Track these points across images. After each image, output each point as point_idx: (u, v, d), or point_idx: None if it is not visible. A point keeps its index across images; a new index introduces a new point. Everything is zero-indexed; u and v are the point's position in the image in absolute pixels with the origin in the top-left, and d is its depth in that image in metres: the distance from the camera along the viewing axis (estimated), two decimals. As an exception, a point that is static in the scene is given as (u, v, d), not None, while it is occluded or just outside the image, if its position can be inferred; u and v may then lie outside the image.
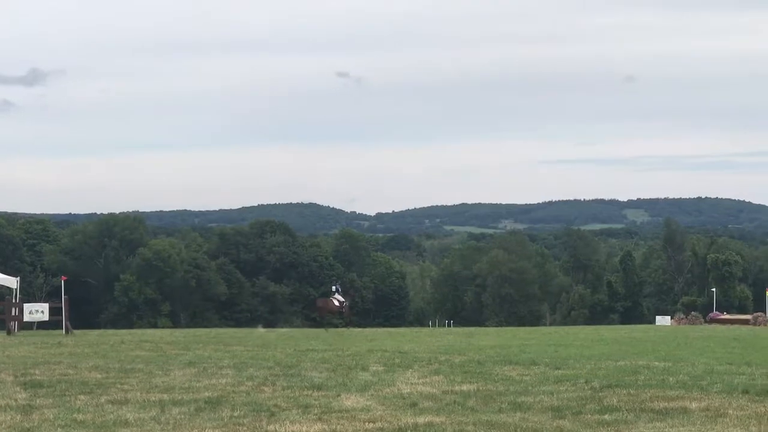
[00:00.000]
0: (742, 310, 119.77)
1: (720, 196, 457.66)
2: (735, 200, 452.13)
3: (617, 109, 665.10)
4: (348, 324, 60.61)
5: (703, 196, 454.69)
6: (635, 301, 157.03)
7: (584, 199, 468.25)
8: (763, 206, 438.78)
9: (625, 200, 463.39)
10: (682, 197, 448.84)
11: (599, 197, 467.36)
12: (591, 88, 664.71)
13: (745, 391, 18.24)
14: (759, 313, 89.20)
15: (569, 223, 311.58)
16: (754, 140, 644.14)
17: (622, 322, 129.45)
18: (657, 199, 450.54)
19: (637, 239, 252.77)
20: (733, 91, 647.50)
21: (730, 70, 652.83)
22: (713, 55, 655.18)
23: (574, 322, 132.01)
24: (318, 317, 58.79)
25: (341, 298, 58.54)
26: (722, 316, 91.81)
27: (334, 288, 61.10)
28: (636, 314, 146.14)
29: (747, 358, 28.22)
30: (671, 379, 20.78)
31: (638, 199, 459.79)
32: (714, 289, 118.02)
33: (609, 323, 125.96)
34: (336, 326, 58.07)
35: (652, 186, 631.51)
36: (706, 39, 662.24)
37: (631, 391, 18.33)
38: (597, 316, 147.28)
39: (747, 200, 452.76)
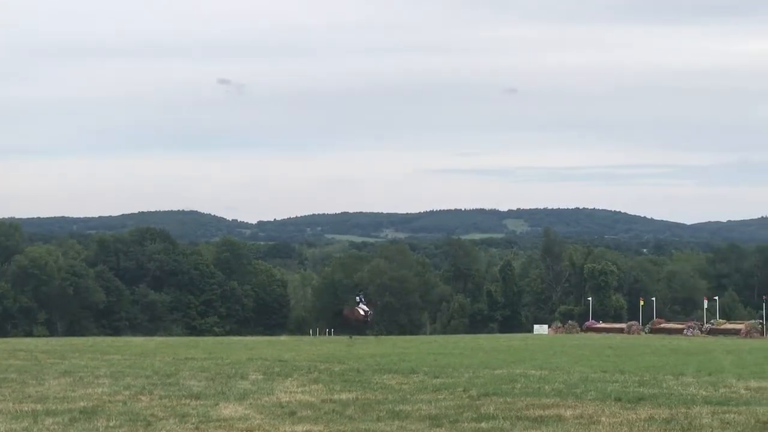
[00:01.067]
0: (617, 319, 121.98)
1: (597, 207, 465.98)
2: (611, 211, 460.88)
3: (499, 120, 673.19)
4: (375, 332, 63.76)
5: (580, 207, 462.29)
6: (514, 310, 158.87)
7: (465, 209, 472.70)
8: (639, 217, 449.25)
9: (505, 210, 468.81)
10: (561, 208, 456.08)
11: (480, 207, 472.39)
12: (473, 99, 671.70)
13: (618, 399, 18.63)
14: (633, 322, 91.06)
15: (450, 232, 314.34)
16: (631, 152, 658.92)
17: (501, 331, 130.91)
18: (536, 210, 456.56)
19: (517, 249, 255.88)
20: (612, 104, 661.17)
21: (608, 83, 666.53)
22: (594, 68, 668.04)
23: (454, 331, 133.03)
24: (345, 326, 62.57)
25: (366, 308, 61.35)
26: (598, 325, 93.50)
27: (358, 298, 63.91)
28: (515, 323, 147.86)
29: (620, 366, 28.84)
30: (547, 387, 21.12)
31: (518, 209, 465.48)
32: (590, 299, 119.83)
33: (488, 332, 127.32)
34: (376, 334, 62.19)
35: (532, 196, 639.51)
36: (586, 52, 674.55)
37: (508, 400, 18.59)
38: (477, 324, 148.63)
39: (623, 211, 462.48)
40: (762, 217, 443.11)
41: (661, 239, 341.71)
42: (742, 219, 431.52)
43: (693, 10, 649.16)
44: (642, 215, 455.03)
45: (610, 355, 37.50)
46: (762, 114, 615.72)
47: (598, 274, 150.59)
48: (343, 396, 19.12)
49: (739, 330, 76.22)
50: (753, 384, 22.11)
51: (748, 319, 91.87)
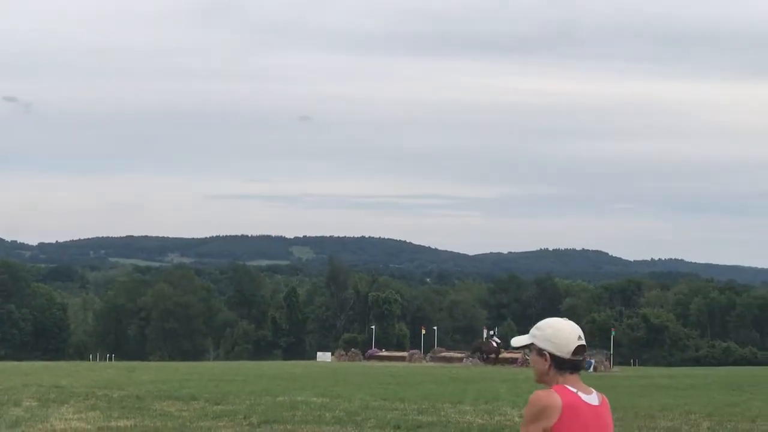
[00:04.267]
0: (400, 347, 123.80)
1: (383, 236, 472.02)
2: (397, 240, 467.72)
3: (291, 147, 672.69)
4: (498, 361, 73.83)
5: (366, 236, 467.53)
6: (298, 337, 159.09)
7: (251, 235, 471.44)
8: (423, 247, 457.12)
9: (292, 237, 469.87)
10: (347, 236, 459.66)
11: (266, 233, 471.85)
12: (266, 126, 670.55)
13: (397, 427, 18.89)
14: (414, 351, 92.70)
15: (236, 258, 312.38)
16: (417, 183, 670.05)
17: (285, 358, 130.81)
18: (323, 237, 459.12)
19: (302, 276, 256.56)
20: (401, 135, 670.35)
21: (399, 114, 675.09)
22: (385, 98, 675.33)
23: (238, 357, 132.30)
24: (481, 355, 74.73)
25: (498, 340, 76.45)
26: (380, 353, 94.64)
27: (492, 333, 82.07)
28: (299, 350, 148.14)
29: (401, 395, 29.23)
30: (328, 414, 21.22)
31: (304, 236, 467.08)
32: (374, 327, 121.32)
33: (272, 359, 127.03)
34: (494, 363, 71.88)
35: (319, 224, 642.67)
36: (378, 83, 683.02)
37: (288, 427, 18.61)
38: (261, 351, 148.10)
39: (408, 240, 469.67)
40: (540, 249, 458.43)
41: (445, 269, 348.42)
42: (522, 251, 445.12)
43: (479, 45, 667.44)
44: (426, 245, 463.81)
45: (392, 383, 37.96)
46: (542, 149, 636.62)
47: (382, 303, 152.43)
48: (121, 423, 18.77)
49: (516, 359, 78.39)
50: (527, 412, 22.74)
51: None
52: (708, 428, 20.59)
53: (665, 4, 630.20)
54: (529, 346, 5.40)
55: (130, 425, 18.48)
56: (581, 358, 5.33)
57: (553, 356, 5.29)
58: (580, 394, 5.27)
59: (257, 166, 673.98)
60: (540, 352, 5.34)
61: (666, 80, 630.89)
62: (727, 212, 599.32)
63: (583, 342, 5.34)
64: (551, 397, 5.19)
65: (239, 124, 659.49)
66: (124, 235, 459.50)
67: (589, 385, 5.39)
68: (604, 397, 5.41)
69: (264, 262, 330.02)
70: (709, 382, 44.00)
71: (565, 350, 5.29)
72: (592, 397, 5.32)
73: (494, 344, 75.46)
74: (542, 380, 5.38)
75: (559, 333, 5.32)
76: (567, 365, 5.30)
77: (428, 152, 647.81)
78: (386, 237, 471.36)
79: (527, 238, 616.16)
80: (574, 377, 5.33)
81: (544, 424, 5.17)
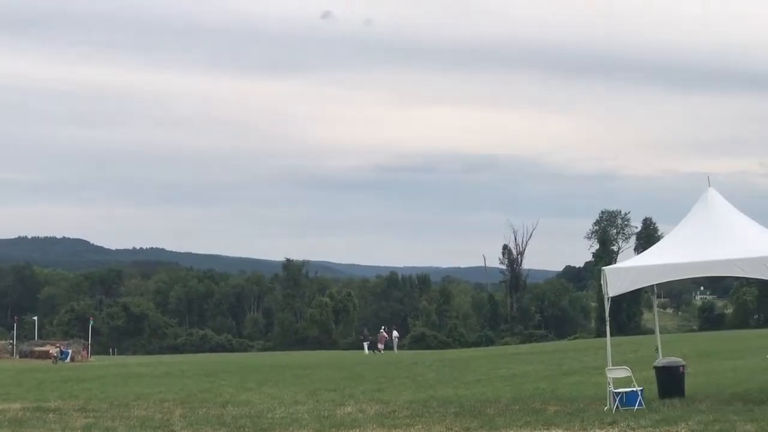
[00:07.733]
0: None
1: None
2: None
3: None
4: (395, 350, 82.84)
5: None
6: None
7: None
8: None
9: None
10: None
11: None
12: None
13: None
14: None
15: None
16: None
17: None
18: None
19: None
20: None
21: None
22: None
23: None
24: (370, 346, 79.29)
25: (386, 335, 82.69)
26: None
27: (383, 328, 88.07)
28: None
29: None
30: None
31: None
32: None
33: None
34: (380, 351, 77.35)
35: None
36: None
37: None
38: None
39: None
40: (19, 236, 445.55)
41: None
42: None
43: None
44: None
45: None
46: (12, 132, 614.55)
47: None
48: None
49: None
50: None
51: (1, 340, 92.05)
52: (180, 415, 21.30)
53: None
54: None
55: None
56: None
57: None
58: None
59: None
60: None
61: (129, 69, 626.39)
62: (204, 203, 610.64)
63: None
64: None
65: None
66: None
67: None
68: None
69: None
70: (184, 369, 45.15)
71: None
72: None
73: (385, 336, 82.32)
74: None
75: None
76: None
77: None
78: None
79: (4, 225, 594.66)
80: None
81: None
